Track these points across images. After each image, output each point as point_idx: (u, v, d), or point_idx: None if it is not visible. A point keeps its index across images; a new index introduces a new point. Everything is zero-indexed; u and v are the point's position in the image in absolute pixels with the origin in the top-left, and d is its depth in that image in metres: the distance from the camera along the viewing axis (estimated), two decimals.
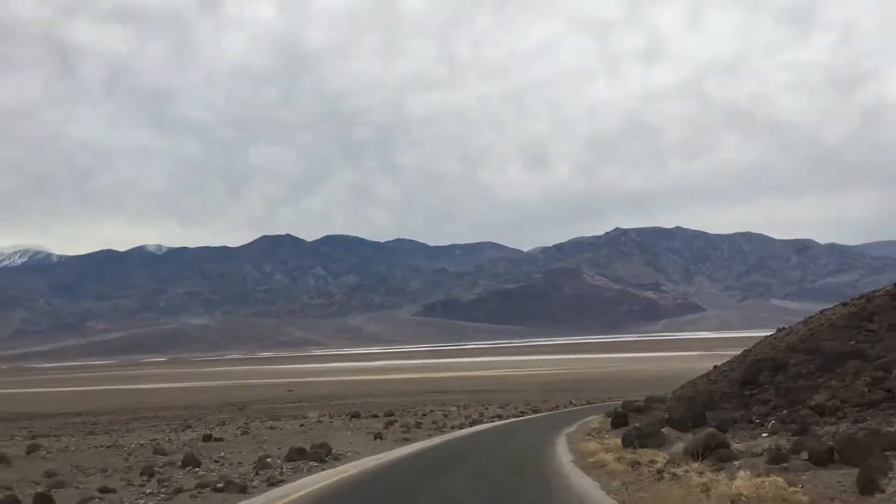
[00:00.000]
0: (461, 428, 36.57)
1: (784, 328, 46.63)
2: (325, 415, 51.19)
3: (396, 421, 40.56)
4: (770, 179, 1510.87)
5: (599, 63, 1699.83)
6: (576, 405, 59.10)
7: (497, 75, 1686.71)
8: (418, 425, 37.80)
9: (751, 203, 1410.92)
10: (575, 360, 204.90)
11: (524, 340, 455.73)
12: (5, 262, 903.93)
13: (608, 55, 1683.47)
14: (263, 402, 73.84)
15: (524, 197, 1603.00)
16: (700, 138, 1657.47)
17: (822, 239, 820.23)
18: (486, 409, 54.53)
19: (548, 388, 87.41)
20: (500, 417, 45.03)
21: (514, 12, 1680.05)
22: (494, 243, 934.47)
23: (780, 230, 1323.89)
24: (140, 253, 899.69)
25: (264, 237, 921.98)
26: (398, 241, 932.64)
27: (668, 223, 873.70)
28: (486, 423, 40.34)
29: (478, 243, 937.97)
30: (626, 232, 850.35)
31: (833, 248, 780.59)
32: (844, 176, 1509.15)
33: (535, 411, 52.11)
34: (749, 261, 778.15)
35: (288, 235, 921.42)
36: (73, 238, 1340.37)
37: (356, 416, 46.40)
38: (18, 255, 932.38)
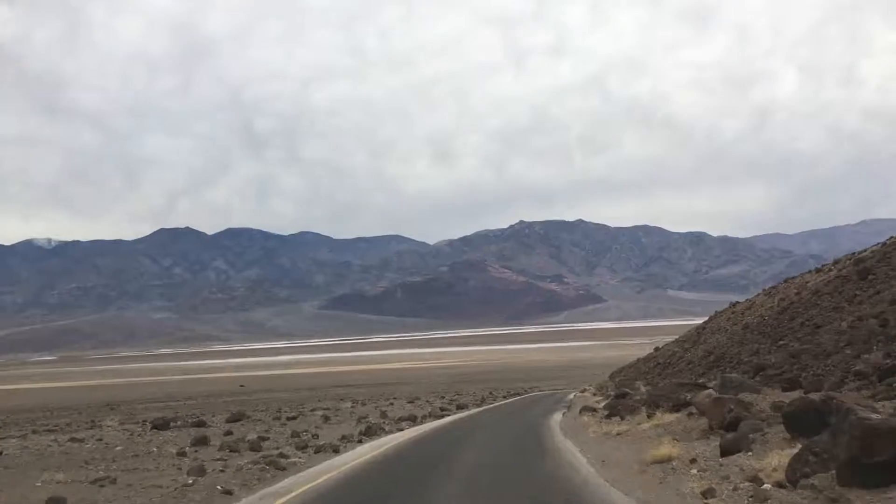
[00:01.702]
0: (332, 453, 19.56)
1: (738, 301, 55.92)
2: (129, 422, 36.56)
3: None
4: (667, 174, 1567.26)
5: (506, 57, 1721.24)
6: (496, 398, 52.34)
7: (404, 67, 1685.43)
8: (255, 444, 20.62)
9: (649, 197, 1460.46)
10: (481, 352, 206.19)
11: (431, 333, 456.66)
12: None
13: (515, 49, 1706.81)
14: (138, 402, 70.25)
15: (431, 190, 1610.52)
16: (603, 134, 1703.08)
17: (714, 231, 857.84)
18: (391, 403, 45.98)
19: (457, 380, 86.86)
20: (411, 420, 31.25)
21: (422, 4, 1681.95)
22: (401, 236, 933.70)
23: (676, 223, 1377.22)
24: (27, 247, 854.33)
25: (162, 230, 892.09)
26: (302, 234, 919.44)
27: (571, 216, 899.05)
28: (382, 435, 24.69)
29: (384, 236, 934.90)
30: (530, 225, 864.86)
31: (725, 241, 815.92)
32: (736, 171, 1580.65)
33: (460, 407, 41.08)
34: (647, 253, 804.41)
35: (187, 228, 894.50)
36: None
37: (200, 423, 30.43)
38: None
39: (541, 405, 39.08)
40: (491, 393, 60.61)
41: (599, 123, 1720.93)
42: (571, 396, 45.14)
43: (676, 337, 62.51)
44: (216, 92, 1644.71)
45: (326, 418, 33.14)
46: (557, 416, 29.36)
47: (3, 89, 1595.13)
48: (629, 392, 30.91)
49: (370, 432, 25.12)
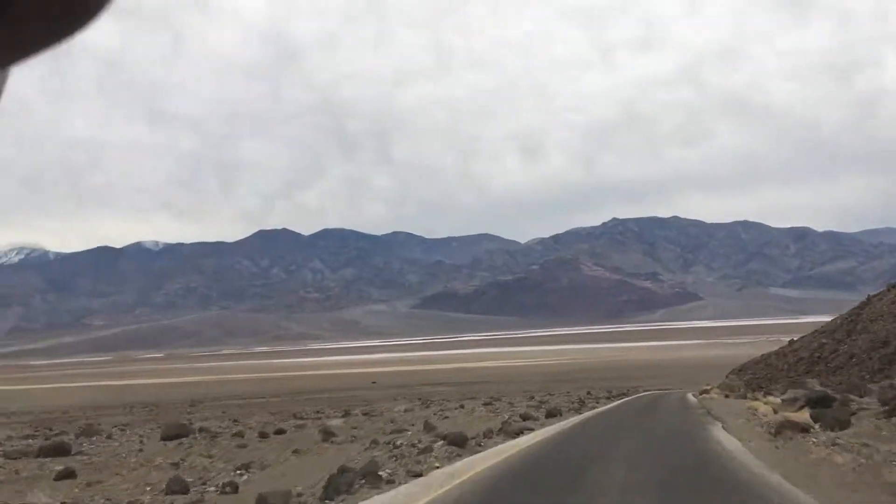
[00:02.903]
0: None
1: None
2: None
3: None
4: (767, 167, 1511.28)
5: (593, 52, 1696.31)
6: (599, 398, 46.41)
7: (490, 65, 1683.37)
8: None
9: (748, 191, 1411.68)
10: (575, 351, 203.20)
11: (522, 332, 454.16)
12: (2, 260, 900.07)
13: (602, 43, 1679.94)
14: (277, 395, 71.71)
15: (520, 188, 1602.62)
16: (696, 126, 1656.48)
17: (819, 226, 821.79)
18: (460, 406, 39.44)
19: (550, 379, 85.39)
20: (457, 445, 18.19)
21: (506, 2, 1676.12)
22: (491, 235, 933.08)
23: (778, 218, 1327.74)
24: (136, 249, 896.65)
25: (260, 232, 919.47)
26: (395, 233, 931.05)
27: (665, 212, 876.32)
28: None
29: (475, 235, 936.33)
30: (623, 222, 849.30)
31: (831, 236, 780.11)
32: (841, 163, 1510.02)
33: (552, 414, 30.44)
34: (747, 249, 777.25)
35: (284, 229, 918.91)
36: (69, 235, 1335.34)
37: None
38: (14, 252, 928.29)
39: (665, 409, 32.16)
40: (589, 393, 54.53)
41: (693, 116, 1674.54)
42: (691, 398, 39.95)
43: (815, 330, 53.85)
44: (307, 96, 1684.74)
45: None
46: (726, 436, 19.04)
47: (111, 99, 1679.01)
48: (831, 395, 22.50)
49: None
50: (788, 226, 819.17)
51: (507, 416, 28.55)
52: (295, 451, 21.23)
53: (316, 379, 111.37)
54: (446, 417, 30.76)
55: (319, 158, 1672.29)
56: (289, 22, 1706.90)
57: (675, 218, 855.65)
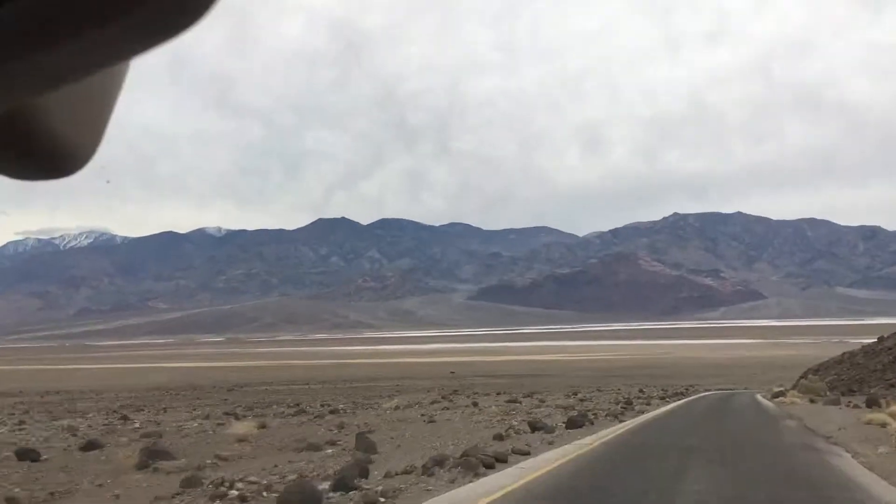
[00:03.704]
0: None
1: None
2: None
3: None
4: (835, 164, 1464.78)
5: (660, 44, 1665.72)
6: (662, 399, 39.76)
7: (554, 58, 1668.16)
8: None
9: (816, 188, 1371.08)
10: (631, 346, 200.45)
11: (578, 326, 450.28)
12: (71, 243, 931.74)
13: (669, 35, 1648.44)
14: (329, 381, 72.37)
15: (580, 181, 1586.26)
16: (763, 121, 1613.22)
17: (890, 226, 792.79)
18: (473, 404, 34.47)
19: (601, 375, 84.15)
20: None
21: None
22: (549, 228, 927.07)
23: (847, 216, 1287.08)
24: (200, 235, 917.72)
25: (320, 220, 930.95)
26: (452, 225, 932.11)
27: (728, 208, 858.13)
28: None
29: (533, 228, 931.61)
30: (684, 217, 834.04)
31: None
32: None
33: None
34: (813, 247, 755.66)
35: (343, 219, 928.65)
36: (136, 220, 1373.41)
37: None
38: (84, 236, 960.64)
39: (738, 418, 25.30)
40: (642, 391, 49.14)
41: (760, 111, 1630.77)
42: (765, 401, 34.63)
43: (878, 336, 47.46)
44: (371, 87, 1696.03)
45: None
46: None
47: (180, 90, 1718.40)
48: None
49: None
50: (858, 224, 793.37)
51: (508, 426, 21.07)
52: None
53: (360, 368, 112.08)
54: (433, 421, 24.58)
55: (381, 149, 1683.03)
56: (356, 13, 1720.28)
57: (739, 214, 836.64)
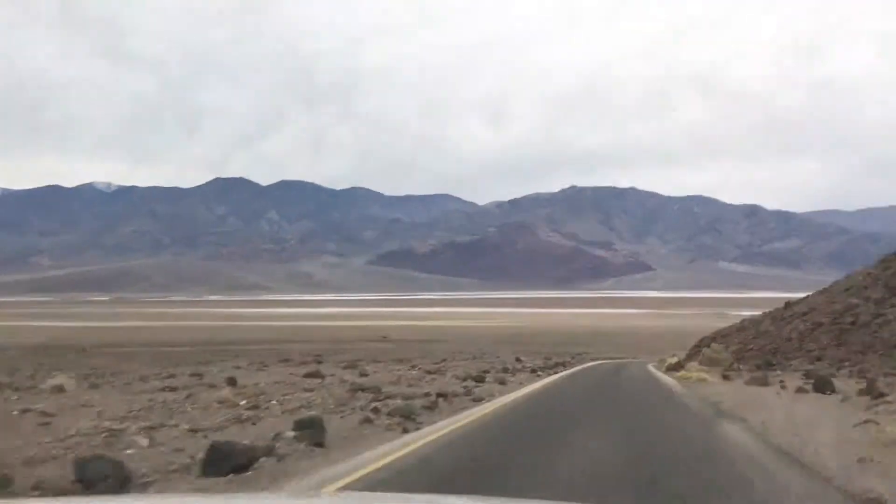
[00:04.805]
0: None
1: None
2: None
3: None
4: (723, 144, 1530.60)
5: (561, 22, 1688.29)
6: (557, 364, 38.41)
7: (460, 28, 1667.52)
8: None
9: (704, 167, 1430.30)
10: (527, 314, 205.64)
11: (477, 293, 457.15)
12: None
13: (570, 14, 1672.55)
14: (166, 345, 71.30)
15: (482, 151, 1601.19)
16: (658, 101, 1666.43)
17: (770, 205, 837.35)
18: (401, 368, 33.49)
19: (497, 341, 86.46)
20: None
21: None
22: (451, 196, 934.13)
23: (731, 194, 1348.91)
24: (89, 190, 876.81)
25: (217, 179, 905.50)
26: (354, 189, 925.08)
27: (623, 183, 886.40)
28: None
29: (434, 195, 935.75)
30: (581, 190, 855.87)
31: (780, 215, 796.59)
32: (796, 144, 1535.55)
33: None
34: (699, 223, 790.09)
35: (242, 178, 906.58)
36: (18, 172, 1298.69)
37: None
38: None
39: (633, 402, 19.26)
40: (519, 360, 45.71)
41: (655, 90, 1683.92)
42: (661, 375, 31.35)
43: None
44: (275, 45, 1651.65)
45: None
46: None
47: (67, 33, 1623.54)
48: None
49: None
50: (740, 203, 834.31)
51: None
52: None
53: (249, 330, 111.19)
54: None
55: (283, 109, 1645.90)
56: None
57: (633, 189, 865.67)
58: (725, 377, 25.73)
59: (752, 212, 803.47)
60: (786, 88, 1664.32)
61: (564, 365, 40.96)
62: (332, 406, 16.22)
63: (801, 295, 46.89)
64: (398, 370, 32.09)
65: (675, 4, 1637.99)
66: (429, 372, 29.89)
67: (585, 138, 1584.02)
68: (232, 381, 23.13)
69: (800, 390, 19.25)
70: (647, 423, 14.34)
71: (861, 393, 17.01)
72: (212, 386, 22.35)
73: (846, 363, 23.10)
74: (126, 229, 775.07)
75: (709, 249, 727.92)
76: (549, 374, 30.92)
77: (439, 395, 18.35)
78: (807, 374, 22.41)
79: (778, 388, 20.51)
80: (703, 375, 25.48)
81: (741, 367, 28.86)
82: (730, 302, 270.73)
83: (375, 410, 14.95)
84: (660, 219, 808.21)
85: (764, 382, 21.91)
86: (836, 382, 19.90)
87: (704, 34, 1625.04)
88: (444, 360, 44.73)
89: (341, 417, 14.12)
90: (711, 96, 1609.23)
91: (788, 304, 42.30)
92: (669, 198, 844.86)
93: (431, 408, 16.00)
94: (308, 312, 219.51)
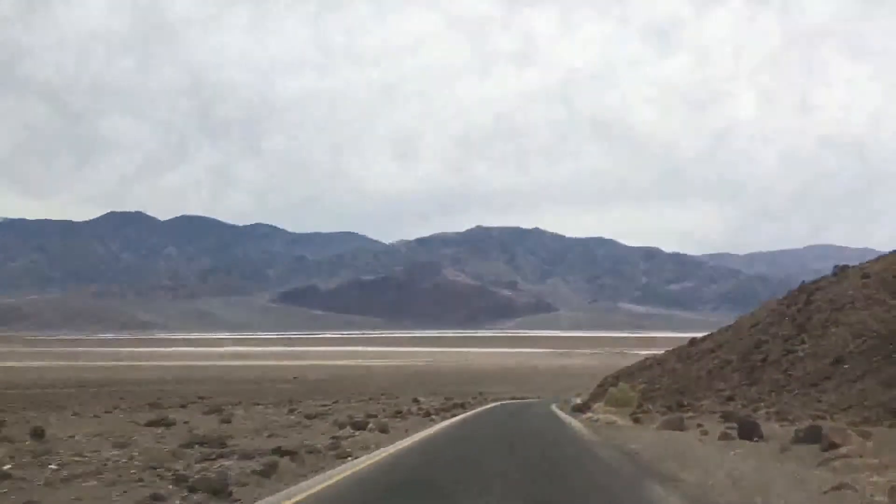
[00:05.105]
0: None
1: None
2: None
3: None
4: (625, 189, 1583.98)
5: (473, 62, 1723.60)
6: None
7: (371, 65, 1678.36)
8: None
9: (606, 210, 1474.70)
10: (432, 353, 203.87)
11: (383, 332, 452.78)
12: None
13: (482, 54, 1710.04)
14: None
15: (390, 189, 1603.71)
16: (564, 144, 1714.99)
17: (667, 247, 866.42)
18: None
19: (403, 381, 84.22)
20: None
21: (392, 2, 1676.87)
22: (357, 234, 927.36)
23: (631, 237, 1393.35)
24: None
25: (113, 213, 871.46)
26: (258, 225, 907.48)
27: (528, 224, 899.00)
28: None
29: (340, 233, 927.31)
30: (487, 230, 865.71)
31: (677, 257, 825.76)
32: (691, 190, 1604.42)
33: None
34: (601, 265, 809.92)
35: (139, 213, 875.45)
36: None
37: None
38: None
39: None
40: (416, 401, 42.45)
41: (561, 133, 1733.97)
42: (567, 419, 29.57)
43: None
44: (181, 76, 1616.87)
45: None
46: None
47: None
48: None
49: None
50: (639, 245, 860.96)
51: None
52: None
53: (134, 370, 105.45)
54: None
55: (185, 142, 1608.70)
56: None
57: (538, 230, 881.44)
58: (636, 420, 23.91)
59: (651, 254, 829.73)
60: (683, 136, 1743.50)
61: (464, 406, 38.86)
62: (132, 472, 12.88)
63: (696, 335, 46.80)
64: (272, 415, 28.86)
65: (583, 51, 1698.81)
66: (309, 416, 27.17)
67: (493, 179, 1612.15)
68: (38, 433, 19.25)
69: (724, 436, 17.10)
70: (555, 488, 11.67)
71: (798, 441, 14.78)
72: (3, 439, 18.39)
73: (761, 403, 21.55)
74: (13, 264, 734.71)
75: (610, 290, 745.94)
76: (446, 418, 28.05)
77: (286, 452, 14.91)
78: (725, 417, 20.59)
79: (698, 434, 18.47)
80: (613, 418, 24.12)
81: (650, 407, 27.22)
82: (629, 342, 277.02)
83: (181, 480, 11.54)
84: (563, 260, 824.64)
85: (680, 426, 19.97)
86: (761, 426, 17.68)
87: (608, 81, 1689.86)
88: (337, 401, 42.41)
89: (123, 493, 10.81)
90: (614, 141, 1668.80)
91: (694, 341, 40.97)
92: (573, 239, 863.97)
93: (267, 473, 12.57)
94: (205, 352, 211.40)
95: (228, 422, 24.89)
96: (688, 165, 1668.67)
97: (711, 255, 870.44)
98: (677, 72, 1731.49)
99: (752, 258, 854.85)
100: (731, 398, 24.11)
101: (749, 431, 16.71)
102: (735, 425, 18.09)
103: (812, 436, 14.58)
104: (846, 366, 20.83)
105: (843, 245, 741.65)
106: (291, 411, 31.68)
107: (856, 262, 37.02)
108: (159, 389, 58.62)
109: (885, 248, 35.50)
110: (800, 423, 17.47)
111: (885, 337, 21.05)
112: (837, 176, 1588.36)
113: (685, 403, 25.59)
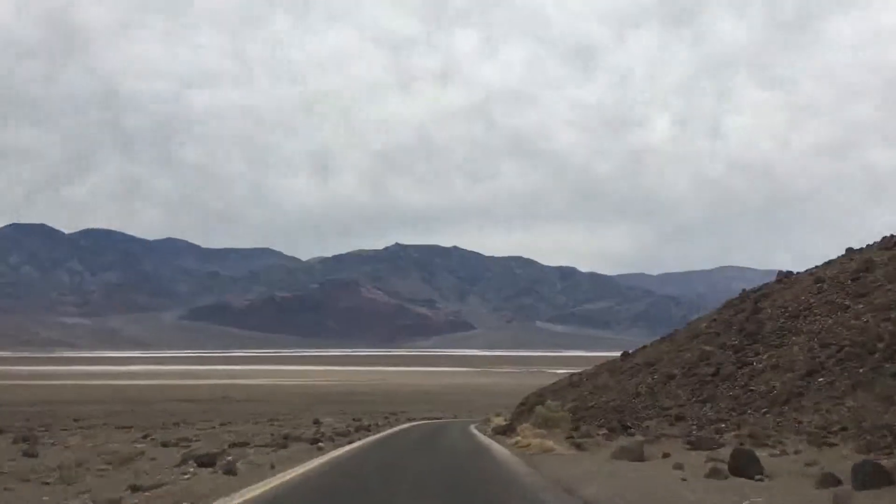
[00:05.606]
0: None
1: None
2: None
3: None
4: (542, 208, 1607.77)
5: (393, 79, 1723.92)
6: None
7: (290, 79, 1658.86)
8: None
9: (524, 229, 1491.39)
10: (347, 372, 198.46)
11: (297, 350, 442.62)
12: None
13: (402, 72, 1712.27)
14: None
15: (307, 205, 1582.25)
16: (483, 163, 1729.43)
17: (583, 267, 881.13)
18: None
19: (313, 402, 79.47)
20: None
21: (313, 18, 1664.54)
22: (272, 250, 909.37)
23: (549, 257, 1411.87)
24: None
25: (13, 225, 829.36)
26: (169, 240, 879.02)
27: (447, 242, 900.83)
28: None
29: (255, 249, 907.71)
30: (405, 248, 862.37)
31: (593, 277, 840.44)
32: (607, 211, 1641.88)
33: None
34: (519, 284, 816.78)
35: (42, 225, 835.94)
36: None
37: None
38: None
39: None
40: (317, 422, 38.54)
41: (481, 152, 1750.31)
42: (479, 435, 28.33)
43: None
44: (87, 85, 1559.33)
45: None
46: None
47: None
48: None
49: None
50: (557, 265, 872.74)
51: None
52: None
53: (23, 390, 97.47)
54: None
55: (93, 153, 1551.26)
56: (73, 4, 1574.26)
57: (456, 248, 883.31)
58: (578, 446, 19.14)
59: (568, 274, 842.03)
60: (600, 157, 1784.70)
61: (369, 429, 33.83)
62: None
63: (612, 354, 44.90)
64: (117, 443, 22.74)
65: (505, 71, 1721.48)
66: (164, 444, 22.03)
67: (411, 196, 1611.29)
68: None
69: (715, 473, 12.00)
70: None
71: (824, 484, 10.16)
72: None
73: (721, 424, 18.31)
74: None
75: (527, 309, 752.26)
76: (342, 444, 22.28)
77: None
78: (692, 444, 15.79)
79: (669, 468, 13.33)
80: (548, 443, 19.60)
81: (588, 428, 23.42)
82: (546, 361, 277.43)
83: None
84: (481, 278, 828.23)
85: (640, 456, 15.18)
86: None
87: (527, 101, 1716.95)
88: (225, 423, 37.80)
89: None
90: (533, 161, 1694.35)
91: (627, 354, 38.45)
92: (491, 258, 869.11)
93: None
94: (106, 370, 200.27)
95: (34, 455, 18.77)
96: (604, 186, 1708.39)
97: (625, 276, 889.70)
98: (595, 94, 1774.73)
99: (664, 278, 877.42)
100: (680, 417, 20.78)
101: (744, 465, 11.81)
102: (718, 457, 13.51)
103: (873, 477, 9.62)
104: (821, 379, 18.09)
105: (748, 266, 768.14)
106: (146, 436, 26.45)
107: (759, 284, 35.67)
108: (34, 410, 52.60)
109: (791, 269, 33.72)
110: (800, 451, 13.43)
111: (863, 345, 18.41)
112: (745, 198, 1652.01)
113: (629, 424, 21.72)
